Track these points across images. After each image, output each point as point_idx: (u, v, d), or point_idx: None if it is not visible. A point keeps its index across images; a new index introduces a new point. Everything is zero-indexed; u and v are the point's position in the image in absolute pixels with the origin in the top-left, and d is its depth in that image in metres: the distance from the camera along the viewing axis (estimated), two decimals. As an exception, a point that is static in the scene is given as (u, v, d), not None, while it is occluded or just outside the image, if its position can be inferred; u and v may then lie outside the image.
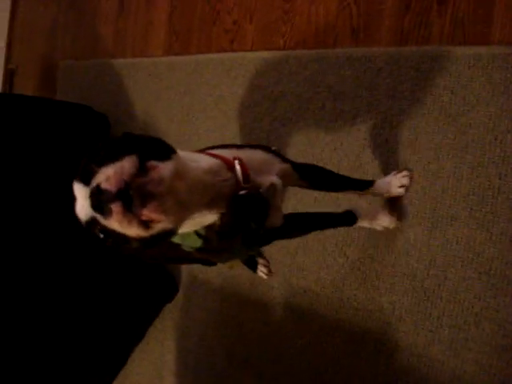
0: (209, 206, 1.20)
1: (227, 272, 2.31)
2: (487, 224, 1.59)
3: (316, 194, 2.00)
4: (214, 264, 1.92)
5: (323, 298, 1.95)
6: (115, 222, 1.02)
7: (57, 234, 2.30)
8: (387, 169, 1.78)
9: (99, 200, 1.02)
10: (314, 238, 1.97)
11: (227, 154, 1.31)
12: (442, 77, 1.69)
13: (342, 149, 1.91)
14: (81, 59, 3.64)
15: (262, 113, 2.21)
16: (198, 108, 2.53)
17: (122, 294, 2.50)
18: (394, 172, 1.77)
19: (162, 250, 1.53)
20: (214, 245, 1.29)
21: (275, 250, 2.08)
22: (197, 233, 1.26)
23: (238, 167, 1.27)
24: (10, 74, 4.82)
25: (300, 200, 2.04)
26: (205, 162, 1.24)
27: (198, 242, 1.28)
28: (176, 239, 1.27)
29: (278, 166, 1.42)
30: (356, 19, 1.93)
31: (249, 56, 2.31)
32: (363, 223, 1.76)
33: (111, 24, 3.34)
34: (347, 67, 1.92)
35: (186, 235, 1.27)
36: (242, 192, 1.26)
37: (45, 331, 2.25)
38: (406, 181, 1.75)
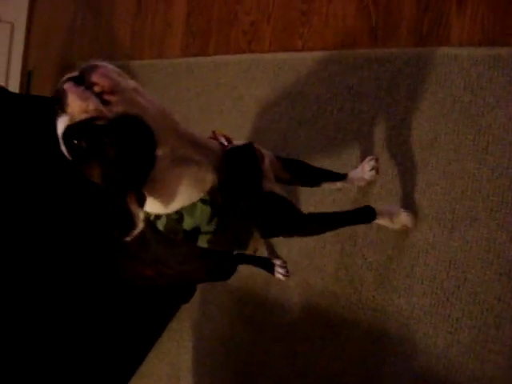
0: (195, 148, 1.26)
1: (244, 272, 2.31)
2: (508, 225, 1.58)
3: (334, 195, 2.01)
4: (226, 277, 1.96)
5: (341, 299, 1.95)
6: (72, 99, 1.08)
7: (76, 235, 2.31)
8: (406, 169, 1.78)
9: (58, 96, 1.09)
10: (332, 240, 1.97)
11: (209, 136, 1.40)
12: (461, 77, 1.68)
13: (361, 149, 1.91)
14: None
15: (279, 113, 2.22)
16: (215, 109, 2.54)
17: (139, 294, 2.51)
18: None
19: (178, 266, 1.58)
20: (220, 206, 1.30)
21: (292, 251, 2.08)
22: (202, 200, 1.29)
23: (219, 135, 1.37)
24: (27, 76, 4.85)
25: (319, 201, 2.05)
26: None
27: (207, 212, 1.30)
28: (187, 219, 1.30)
29: (262, 149, 1.49)
30: (375, 20, 1.93)
31: (267, 57, 2.32)
32: (382, 221, 1.76)
33: (128, 25, 3.36)
34: (366, 68, 1.92)
35: (193, 209, 1.29)
36: (230, 146, 1.34)
37: (62, 330, 2.26)
38: (372, 163, 1.84)
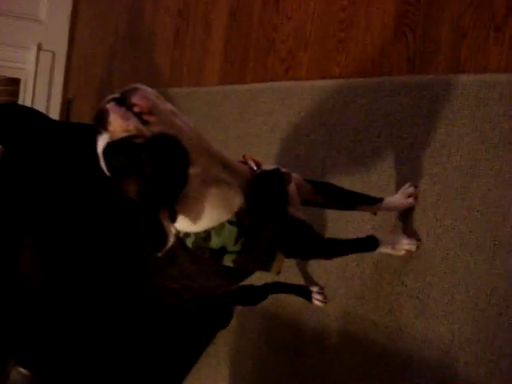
0: (226, 170, 1.33)
1: (282, 298, 2.32)
2: (551, 253, 1.56)
3: (373, 222, 2.01)
4: (255, 302, 2.07)
5: (380, 326, 1.93)
6: (114, 118, 1.16)
7: (112, 252, 2.35)
8: (446, 195, 1.77)
9: (99, 117, 1.19)
10: (371, 267, 1.96)
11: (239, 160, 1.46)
12: (501, 104, 1.67)
13: (400, 176, 1.90)
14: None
15: (317, 141, 2.23)
16: (252, 136, 2.56)
17: (177, 318, 2.52)
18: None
19: (204, 282, 1.62)
20: (246, 227, 1.36)
21: (331, 278, 2.08)
22: (229, 222, 1.35)
23: (249, 159, 1.43)
24: (67, 104, 4.96)
25: (357, 228, 2.05)
26: None
27: (234, 232, 1.35)
28: (214, 238, 1.36)
29: (292, 174, 1.53)
30: (412, 47, 1.94)
31: (304, 84, 2.34)
32: (385, 248, 1.82)
33: (167, 53, 3.42)
34: (404, 95, 1.92)
35: (221, 229, 1.35)
36: (258, 171, 1.41)
37: (99, 353, 2.29)
38: (411, 189, 1.84)
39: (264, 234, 1.40)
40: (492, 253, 1.65)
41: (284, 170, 1.50)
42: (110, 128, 1.18)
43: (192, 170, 1.25)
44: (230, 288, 1.80)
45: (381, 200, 1.85)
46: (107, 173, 1.24)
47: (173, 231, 1.27)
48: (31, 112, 2.80)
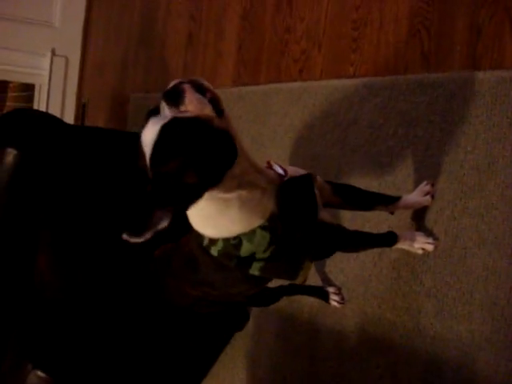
0: (259, 174, 1.35)
1: (299, 299, 2.31)
2: None
3: (390, 221, 2.00)
4: (267, 304, 2.09)
5: (399, 326, 1.92)
6: (191, 102, 1.18)
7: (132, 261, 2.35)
8: (463, 194, 1.75)
9: (171, 93, 1.20)
10: (388, 266, 1.95)
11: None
12: (518, 100, 1.66)
13: (417, 175, 1.89)
14: (151, 92, 3.74)
15: (332, 141, 2.22)
16: (267, 137, 2.56)
17: (193, 321, 2.52)
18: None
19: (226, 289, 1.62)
20: (279, 233, 1.35)
21: (348, 278, 2.07)
22: (261, 227, 1.35)
23: (275, 165, 1.45)
24: (82, 108, 4.98)
25: (374, 227, 2.04)
26: None
27: (266, 238, 1.34)
28: (245, 244, 1.35)
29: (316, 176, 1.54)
30: (427, 45, 1.92)
31: (318, 85, 2.33)
32: (403, 245, 1.83)
33: (180, 56, 3.43)
34: (419, 93, 1.91)
35: (252, 235, 1.34)
36: (287, 178, 1.41)
37: (115, 355, 2.29)
38: (428, 188, 1.83)
39: (294, 242, 1.41)
40: (511, 251, 1.63)
41: (310, 173, 1.51)
42: (183, 107, 1.19)
43: (233, 170, 1.25)
44: (250, 294, 1.79)
45: (398, 199, 1.85)
46: (149, 152, 1.21)
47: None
48: (46, 116, 2.81)
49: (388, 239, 1.83)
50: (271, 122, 2.54)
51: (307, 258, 1.49)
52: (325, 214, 1.52)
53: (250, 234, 1.35)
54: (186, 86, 1.19)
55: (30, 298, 2.29)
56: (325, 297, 2.17)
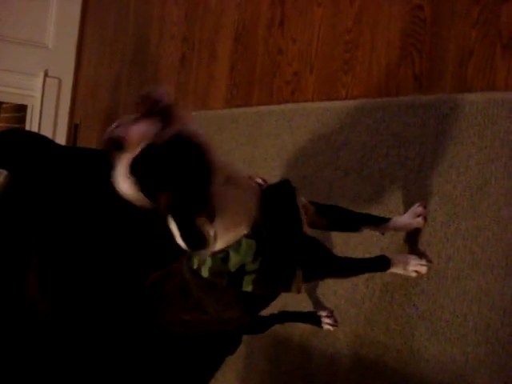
0: (239, 185, 1.34)
1: (290, 323, 2.29)
2: None
3: (382, 243, 1.99)
4: (262, 329, 2.08)
5: (392, 349, 1.90)
6: (130, 135, 1.19)
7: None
8: (456, 215, 1.75)
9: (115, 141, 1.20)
10: (380, 289, 1.94)
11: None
12: (509, 121, 1.66)
13: (409, 196, 1.88)
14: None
15: (324, 162, 2.22)
16: (259, 158, 2.55)
17: (184, 345, 2.50)
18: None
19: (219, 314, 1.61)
20: (264, 239, 1.35)
21: (341, 300, 2.05)
22: (246, 236, 1.34)
23: (255, 177, 1.46)
24: (74, 129, 4.98)
25: (366, 250, 2.04)
26: None
27: (252, 245, 1.34)
28: (233, 257, 1.35)
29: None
30: (418, 66, 1.93)
31: (310, 106, 2.33)
32: (396, 269, 1.82)
33: (173, 78, 3.44)
34: (411, 115, 1.91)
35: (238, 246, 1.34)
36: (266, 185, 1.43)
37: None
38: (420, 210, 1.82)
39: (281, 250, 1.40)
40: (504, 273, 1.62)
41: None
42: (128, 144, 1.19)
43: (214, 181, 1.25)
44: (244, 321, 1.78)
45: (388, 220, 1.85)
46: (139, 192, 1.23)
47: (212, 233, 1.26)
48: (36, 137, 2.81)
49: (381, 263, 1.82)
50: (263, 144, 2.54)
51: (298, 268, 1.47)
52: (311, 231, 1.52)
53: (236, 245, 1.35)
54: (124, 125, 1.21)
55: (18, 317, 2.26)
56: (317, 321, 2.15)
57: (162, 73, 3.60)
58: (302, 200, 1.58)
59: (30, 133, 3.42)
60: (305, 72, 2.40)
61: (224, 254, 1.36)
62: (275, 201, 1.41)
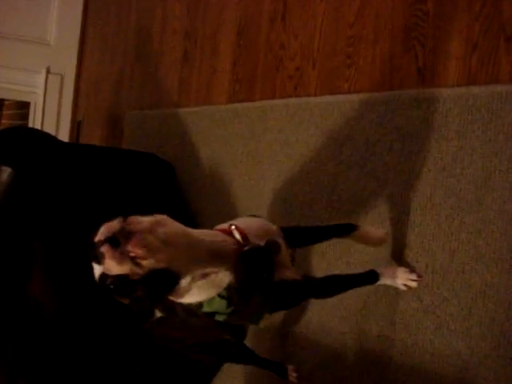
0: (214, 262, 1.39)
1: (295, 317, 2.29)
2: None
3: (347, 257, 2.08)
4: (249, 360, 2.22)
5: (397, 343, 1.90)
6: (109, 261, 1.22)
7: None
8: (460, 209, 1.75)
9: (96, 253, 1.24)
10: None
11: (224, 225, 1.52)
12: (514, 115, 1.66)
13: (413, 190, 1.88)
14: (146, 109, 3.73)
15: (327, 157, 2.21)
16: (263, 153, 2.55)
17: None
18: None
19: (203, 332, 1.77)
20: (236, 301, 1.44)
21: (346, 295, 2.05)
22: (219, 295, 1.43)
23: (234, 231, 1.47)
24: (77, 125, 4.98)
25: (331, 264, 2.13)
26: (200, 231, 1.45)
27: (223, 304, 1.44)
28: (206, 307, 1.44)
29: (273, 227, 1.62)
30: (422, 60, 1.92)
31: (313, 101, 2.33)
32: (385, 281, 1.85)
33: (175, 74, 3.43)
34: (415, 108, 1.91)
35: (211, 301, 1.43)
36: (246, 248, 1.45)
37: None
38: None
39: (252, 302, 1.48)
40: (509, 266, 1.62)
41: (274, 239, 1.55)
42: (105, 266, 1.24)
43: (182, 281, 1.33)
44: (228, 334, 1.92)
45: (354, 228, 1.86)
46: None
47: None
48: (40, 134, 2.81)
49: (368, 278, 1.85)
50: (266, 139, 2.54)
51: (266, 312, 1.58)
52: (286, 272, 1.56)
53: (210, 301, 1.43)
54: (105, 249, 1.22)
55: (23, 315, 2.27)
56: (284, 373, 2.26)
57: (165, 68, 3.60)
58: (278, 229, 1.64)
59: (34, 130, 3.42)
60: (307, 67, 2.40)
61: (198, 304, 1.45)
62: (252, 264, 1.45)
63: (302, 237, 1.83)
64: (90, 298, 2.29)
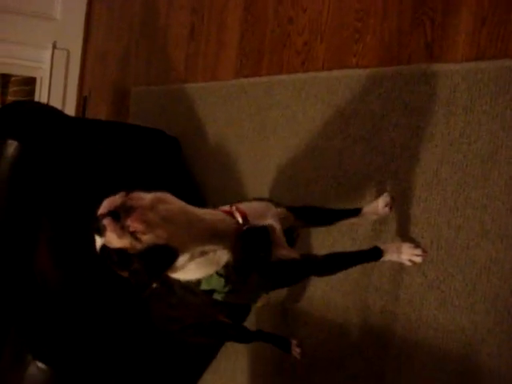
0: (213, 240, 1.41)
1: (300, 292, 2.31)
2: None
3: (352, 234, 2.09)
4: (247, 340, 2.28)
5: (401, 318, 1.91)
6: (110, 234, 1.24)
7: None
8: (466, 183, 1.74)
9: (98, 225, 1.26)
10: (391, 257, 1.94)
11: (226, 207, 1.55)
12: (522, 90, 1.65)
13: (420, 165, 1.88)
14: (153, 85, 3.72)
15: (334, 132, 2.21)
16: (269, 129, 2.55)
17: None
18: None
19: (200, 311, 1.77)
20: (233, 280, 1.48)
21: (350, 270, 2.05)
22: (218, 273, 1.46)
23: (235, 211, 1.51)
24: (83, 101, 4.98)
25: (337, 240, 2.15)
26: (201, 209, 1.45)
27: (221, 282, 1.47)
28: (204, 285, 1.47)
29: (274, 210, 1.64)
30: (430, 35, 1.91)
31: (320, 76, 2.31)
32: (390, 257, 1.87)
33: (182, 49, 3.41)
34: (422, 84, 1.90)
35: (209, 278, 1.46)
36: (245, 228, 1.49)
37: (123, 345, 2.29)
38: (388, 200, 1.92)
39: (250, 282, 1.52)
40: (514, 241, 1.62)
41: (269, 222, 1.58)
42: (106, 238, 1.26)
43: (180, 257, 1.35)
44: (225, 313, 1.96)
45: (358, 212, 1.95)
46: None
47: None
48: (46, 108, 2.80)
49: (372, 255, 1.86)
50: (273, 114, 2.53)
51: (263, 292, 1.65)
52: (283, 252, 1.58)
53: (208, 278, 1.46)
54: (107, 222, 1.24)
55: (30, 288, 2.28)
56: (287, 347, 2.30)
57: (171, 43, 3.58)
58: (281, 211, 1.67)
59: (40, 104, 3.41)
60: (315, 41, 2.38)
61: (196, 281, 1.47)
62: (250, 243, 1.49)
63: (312, 215, 1.88)
64: (94, 273, 2.31)
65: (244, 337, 2.26)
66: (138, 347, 2.38)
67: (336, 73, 2.24)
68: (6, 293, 2.25)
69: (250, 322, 2.45)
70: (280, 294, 2.40)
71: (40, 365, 2.10)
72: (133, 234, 1.24)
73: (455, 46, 1.84)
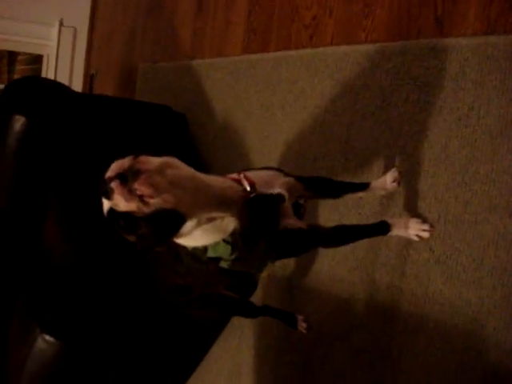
0: (220, 207, 1.42)
1: (307, 268, 2.31)
2: None
3: (359, 209, 2.08)
4: (253, 315, 2.30)
5: (407, 293, 1.91)
6: (117, 197, 1.24)
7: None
8: (475, 158, 1.73)
9: (106, 188, 1.25)
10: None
11: (234, 175, 1.54)
12: (533, 64, 1.64)
13: (428, 141, 1.87)
14: (160, 61, 3.71)
15: (342, 107, 2.20)
16: (277, 105, 2.54)
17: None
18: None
19: (207, 279, 1.77)
20: (240, 247, 1.48)
21: (358, 245, 2.06)
22: (224, 240, 1.46)
23: (243, 179, 1.50)
24: (90, 78, 4.97)
25: (343, 215, 2.15)
26: (209, 176, 1.45)
27: (228, 249, 1.47)
28: (210, 252, 1.48)
29: (282, 179, 1.62)
30: (440, 8, 1.89)
31: (329, 51, 2.30)
32: (397, 232, 1.87)
33: (189, 25, 3.40)
34: (432, 58, 1.88)
35: (216, 245, 1.47)
36: (252, 196, 1.48)
37: (127, 323, 2.30)
38: (396, 175, 1.91)
39: (257, 250, 1.52)
40: (522, 216, 1.62)
41: (277, 191, 1.57)
42: (114, 201, 1.26)
43: (187, 223, 1.35)
44: (231, 282, 1.95)
45: (366, 186, 1.93)
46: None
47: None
48: (54, 84, 2.80)
49: (380, 229, 1.87)
50: (281, 90, 2.52)
51: (270, 261, 1.63)
52: (290, 221, 1.58)
53: (214, 245, 1.47)
54: (114, 185, 1.24)
55: (38, 261, 2.30)
56: (294, 323, 2.31)
57: (178, 19, 3.56)
58: (290, 181, 1.65)
59: (47, 80, 3.40)
60: (324, 16, 2.36)
61: (203, 248, 1.48)
62: (258, 211, 1.49)
63: (321, 186, 1.87)
64: (102, 246, 2.32)
65: (250, 312, 2.28)
66: (145, 320, 2.39)
67: (345, 48, 2.23)
68: (15, 265, 2.27)
69: (257, 297, 2.46)
70: (286, 269, 2.41)
71: (48, 338, 2.12)
72: (140, 198, 1.24)
73: (465, 20, 1.82)
